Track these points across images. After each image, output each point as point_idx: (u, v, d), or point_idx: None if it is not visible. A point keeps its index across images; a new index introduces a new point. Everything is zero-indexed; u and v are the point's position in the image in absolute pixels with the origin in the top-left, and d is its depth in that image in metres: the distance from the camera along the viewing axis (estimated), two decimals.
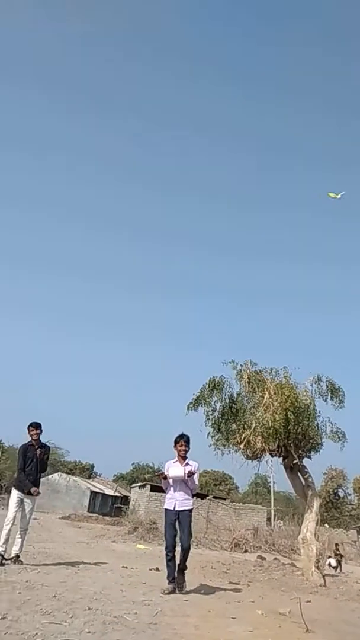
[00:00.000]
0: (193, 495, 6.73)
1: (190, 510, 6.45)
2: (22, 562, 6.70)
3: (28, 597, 4.58)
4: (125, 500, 46.31)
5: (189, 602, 5.47)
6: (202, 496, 30.39)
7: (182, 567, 6.26)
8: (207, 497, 30.20)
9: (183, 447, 6.51)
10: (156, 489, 30.20)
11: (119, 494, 51.30)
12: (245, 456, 11.29)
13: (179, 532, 6.34)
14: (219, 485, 59.38)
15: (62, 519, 29.87)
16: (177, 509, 6.31)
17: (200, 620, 4.57)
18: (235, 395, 11.51)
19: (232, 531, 20.86)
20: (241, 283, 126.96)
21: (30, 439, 7.19)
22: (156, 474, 6.73)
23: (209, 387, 11.47)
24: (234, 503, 34.10)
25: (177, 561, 6.24)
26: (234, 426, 11.14)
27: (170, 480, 6.41)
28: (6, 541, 6.69)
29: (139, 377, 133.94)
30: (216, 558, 12.84)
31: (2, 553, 6.60)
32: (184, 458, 6.51)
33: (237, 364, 11.70)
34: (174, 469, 6.39)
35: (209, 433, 11.39)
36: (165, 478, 6.47)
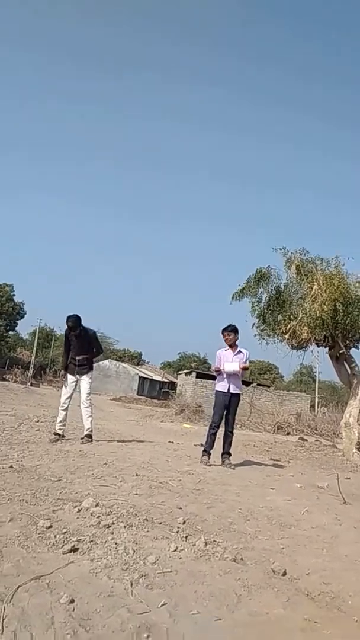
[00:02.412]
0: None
1: (240, 395, 6.81)
2: (90, 440, 6.79)
3: (81, 463, 4.94)
4: (172, 385, 48.84)
5: (231, 473, 5.80)
6: (246, 383, 31.39)
7: (228, 451, 6.58)
8: (252, 385, 31.29)
9: (228, 337, 6.65)
10: (202, 376, 31.51)
11: (166, 380, 54.11)
12: (290, 346, 11.30)
13: (227, 413, 6.66)
14: (263, 374, 61.23)
15: (113, 400, 32.11)
16: (230, 392, 6.58)
17: (240, 489, 4.84)
18: (282, 287, 11.25)
19: (275, 415, 21.67)
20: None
21: None
22: (213, 369, 7.00)
23: (255, 277, 11.21)
24: (278, 390, 35.20)
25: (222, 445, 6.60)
26: (279, 317, 11.03)
27: (224, 374, 6.59)
28: (62, 421, 7.03)
29: (188, 269, 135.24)
30: (259, 438, 13.48)
31: (60, 432, 6.97)
32: (235, 346, 6.66)
33: (287, 250, 11.28)
34: (230, 365, 6.53)
35: (254, 324, 11.37)
36: (220, 373, 6.64)
